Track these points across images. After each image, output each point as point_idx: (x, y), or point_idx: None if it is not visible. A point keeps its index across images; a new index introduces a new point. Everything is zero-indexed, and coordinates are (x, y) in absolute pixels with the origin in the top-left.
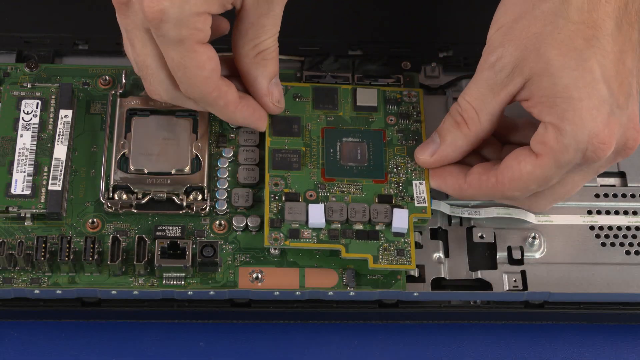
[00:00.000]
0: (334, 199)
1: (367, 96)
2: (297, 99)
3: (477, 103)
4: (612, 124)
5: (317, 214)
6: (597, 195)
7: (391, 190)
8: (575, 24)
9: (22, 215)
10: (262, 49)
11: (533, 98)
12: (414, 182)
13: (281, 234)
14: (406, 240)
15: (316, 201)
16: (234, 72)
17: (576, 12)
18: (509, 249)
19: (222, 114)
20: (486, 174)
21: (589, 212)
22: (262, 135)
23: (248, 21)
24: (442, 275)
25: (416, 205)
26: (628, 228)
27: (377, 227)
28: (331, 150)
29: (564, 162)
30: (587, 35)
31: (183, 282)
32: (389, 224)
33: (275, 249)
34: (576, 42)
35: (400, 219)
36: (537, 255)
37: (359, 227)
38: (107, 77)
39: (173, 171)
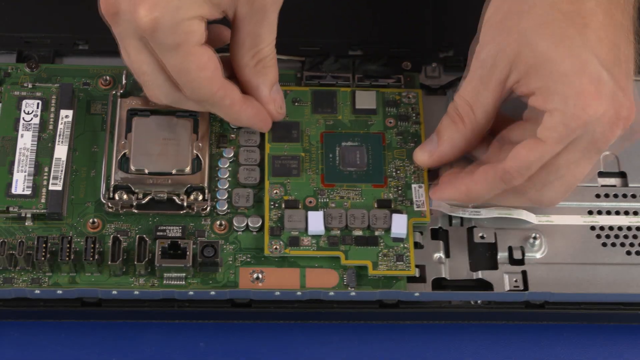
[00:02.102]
0: (333, 205)
1: (366, 99)
2: (296, 104)
3: (471, 99)
4: (601, 84)
5: (316, 222)
6: (597, 196)
7: (390, 194)
8: (564, 13)
9: (23, 215)
10: (262, 57)
11: (522, 78)
12: (413, 185)
13: (281, 242)
14: (405, 246)
15: (315, 208)
16: (232, 74)
17: (565, 3)
18: (510, 249)
19: (227, 114)
20: (492, 167)
21: (590, 213)
22: (262, 135)
23: (244, 31)
24: (443, 276)
25: (415, 209)
26: (629, 228)
27: (377, 233)
28: (330, 155)
29: (551, 124)
30: (578, 24)
31: (184, 282)
32: (388, 229)
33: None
34: (567, 31)
35: (399, 225)
36: (538, 255)
37: (358, 233)
38: (107, 77)
39: (174, 171)
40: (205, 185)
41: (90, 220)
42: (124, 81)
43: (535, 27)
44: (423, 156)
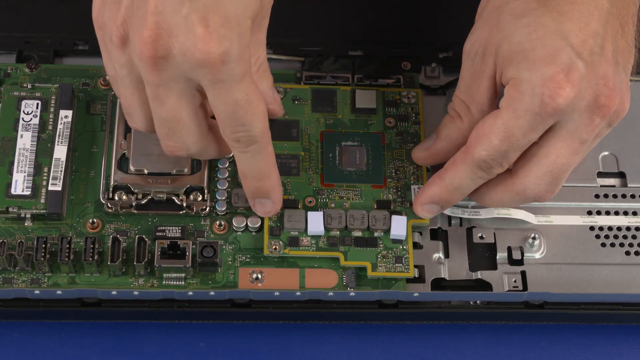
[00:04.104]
0: (333, 205)
1: (366, 98)
2: (296, 102)
3: (465, 96)
4: (572, 71)
5: (316, 222)
6: (597, 196)
7: (390, 195)
8: (541, 2)
9: (22, 215)
10: (262, 62)
11: (501, 70)
12: (412, 186)
13: (280, 242)
14: (404, 247)
15: (315, 207)
16: None
17: None
18: (509, 250)
19: (260, 157)
20: (468, 150)
21: (589, 213)
22: None
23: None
24: (442, 276)
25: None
26: (628, 228)
27: (376, 234)
28: (330, 155)
29: (521, 110)
30: (554, 12)
31: (183, 283)
32: (387, 231)
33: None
34: (541, 19)
35: (399, 226)
36: (537, 255)
37: (358, 234)
38: (107, 77)
39: (173, 172)
40: (205, 185)
41: (90, 221)
42: None
43: (513, 19)
44: (420, 153)
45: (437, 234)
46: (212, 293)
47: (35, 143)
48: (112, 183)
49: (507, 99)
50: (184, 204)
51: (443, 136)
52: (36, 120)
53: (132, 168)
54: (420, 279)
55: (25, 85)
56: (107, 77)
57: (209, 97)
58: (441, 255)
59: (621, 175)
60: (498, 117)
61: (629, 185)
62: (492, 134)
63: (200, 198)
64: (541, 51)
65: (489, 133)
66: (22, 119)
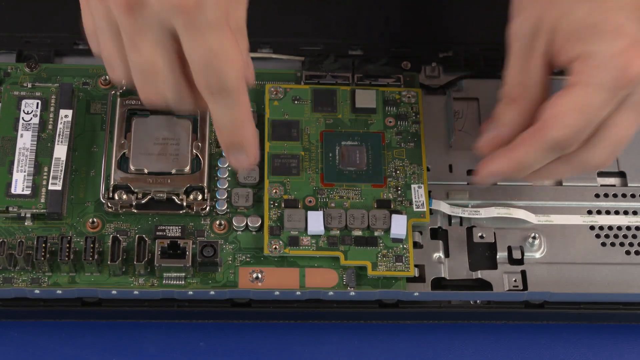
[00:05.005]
0: (333, 204)
1: (366, 98)
2: (296, 102)
3: (519, 78)
4: (638, 44)
5: (316, 222)
6: (597, 195)
7: (390, 194)
8: None
9: (22, 215)
10: (238, 21)
11: (563, 46)
12: (412, 186)
13: (280, 242)
14: (404, 246)
15: (315, 207)
16: None
17: None
18: (509, 249)
19: (236, 109)
20: (542, 132)
21: (589, 212)
22: (262, 134)
23: None
24: (442, 275)
25: (415, 209)
26: (628, 228)
27: (376, 233)
28: (330, 155)
29: (596, 84)
30: None
31: (183, 282)
32: (387, 230)
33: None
34: None
35: (399, 225)
36: (537, 255)
37: (358, 233)
38: (107, 77)
39: (173, 171)
40: (205, 185)
41: (90, 220)
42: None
43: None
44: (487, 146)
45: (437, 234)
46: (212, 293)
47: (35, 142)
48: (112, 182)
49: (577, 74)
50: (184, 204)
51: (506, 123)
52: (36, 120)
53: (132, 167)
54: (420, 279)
55: (25, 84)
56: (85, 33)
57: (183, 44)
58: (441, 254)
59: (621, 174)
60: (571, 94)
61: (629, 184)
62: (567, 113)
63: (200, 197)
64: (609, 24)
65: (564, 112)
66: (22, 118)
